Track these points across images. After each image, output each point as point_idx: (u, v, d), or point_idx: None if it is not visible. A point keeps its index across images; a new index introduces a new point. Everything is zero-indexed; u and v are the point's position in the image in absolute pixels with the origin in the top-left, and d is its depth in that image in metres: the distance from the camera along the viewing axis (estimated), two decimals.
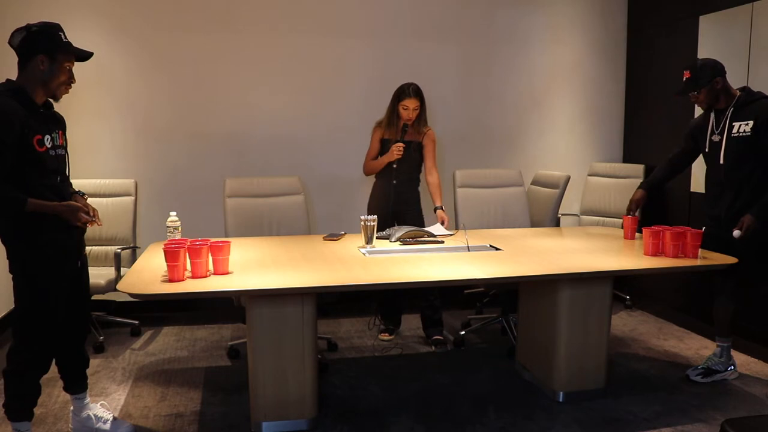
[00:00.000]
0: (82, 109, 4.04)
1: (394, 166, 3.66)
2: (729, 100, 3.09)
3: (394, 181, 3.69)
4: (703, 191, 4.03)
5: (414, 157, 3.70)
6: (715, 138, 3.15)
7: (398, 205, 3.71)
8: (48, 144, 2.31)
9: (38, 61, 2.27)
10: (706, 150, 3.22)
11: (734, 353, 3.33)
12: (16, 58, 2.31)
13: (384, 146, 3.70)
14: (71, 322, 2.53)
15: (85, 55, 2.38)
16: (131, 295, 2.29)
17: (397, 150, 3.56)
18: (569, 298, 2.90)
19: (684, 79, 3.12)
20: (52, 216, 2.30)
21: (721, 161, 3.11)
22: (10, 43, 2.29)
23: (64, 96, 2.41)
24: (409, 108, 3.60)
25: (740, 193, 3.06)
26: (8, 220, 2.29)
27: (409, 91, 3.58)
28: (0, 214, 2.30)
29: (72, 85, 2.40)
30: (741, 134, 3.03)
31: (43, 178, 2.31)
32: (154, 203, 4.22)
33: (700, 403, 2.97)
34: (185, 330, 4.09)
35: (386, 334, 3.92)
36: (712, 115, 3.18)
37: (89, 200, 2.58)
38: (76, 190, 2.55)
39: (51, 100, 2.40)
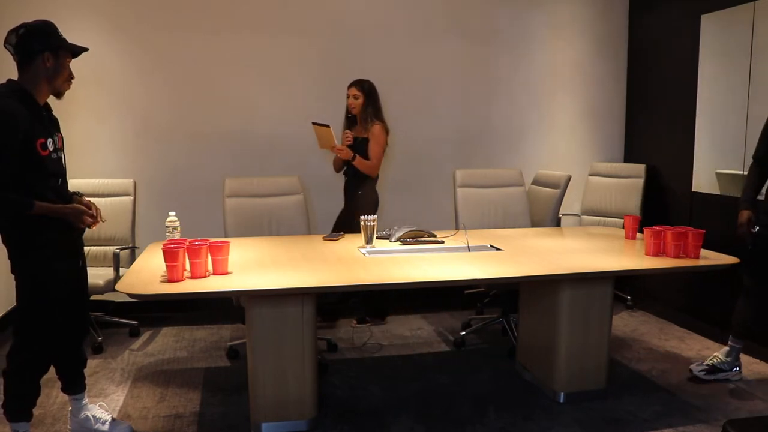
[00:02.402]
0: (81, 109, 4.03)
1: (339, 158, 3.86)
2: None
3: (345, 178, 3.92)
4: (704, 192, 4.04)
5: (360, 153, 3.79)
6: None
7: (349, 201, 3.89)
8: (50, 147, 2.32)
9: (44, 58, 2.27)
10: None
11: None
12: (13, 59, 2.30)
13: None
14: (71, 323, 2.51)
15: (80, 51, 2.39)
16: (130, 295, 2.28)
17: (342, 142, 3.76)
18: (570, 299, 2.89)
19: None
20: (53, 217, 2.30)
21: None
22: (6, 42, 2.28)
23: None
24: (349, 95, 3.81)
25: None
26: (10, 222, 2.29)
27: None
28: (4, 217, 2.30)
29: (72, 80, 2.40)
30: None
31: (46, 181, 2.31)
32: (153, 203, 4.21)
33: (701, 404, 2.96)
34: (184, 330, 4.07)
35: (356, 322, 4.16)
36: None
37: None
38: (74, 190, 2.54)
39: (54, 97, 2.39)
